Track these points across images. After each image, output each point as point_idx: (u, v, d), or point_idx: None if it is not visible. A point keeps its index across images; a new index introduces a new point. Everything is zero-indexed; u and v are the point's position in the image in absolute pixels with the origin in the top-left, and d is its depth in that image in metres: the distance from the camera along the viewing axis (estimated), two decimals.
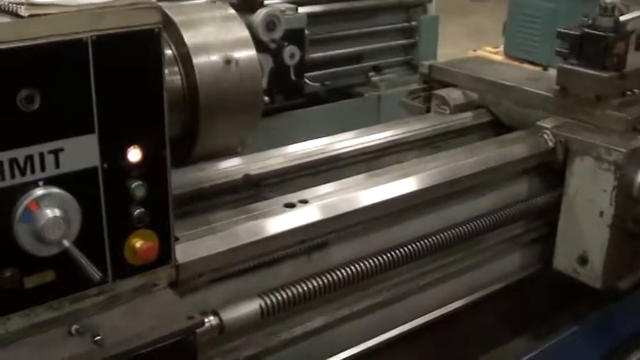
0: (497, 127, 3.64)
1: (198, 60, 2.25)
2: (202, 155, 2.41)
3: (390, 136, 3.36)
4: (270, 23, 4.27)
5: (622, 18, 3.22)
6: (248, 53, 2.35)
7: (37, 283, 1.92)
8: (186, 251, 2.24)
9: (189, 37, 2.27)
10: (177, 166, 2.27)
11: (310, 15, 5.15)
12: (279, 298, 2.42)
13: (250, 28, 2.42)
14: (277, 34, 4.37)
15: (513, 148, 3.20)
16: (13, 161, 1.82)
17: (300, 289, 2.47)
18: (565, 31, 3.38)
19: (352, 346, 2.81)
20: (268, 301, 2.40)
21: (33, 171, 1.85)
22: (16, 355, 1.91)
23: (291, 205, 2.56)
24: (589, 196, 3.09)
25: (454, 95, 3.66)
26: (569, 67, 3.35)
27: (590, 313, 3.45)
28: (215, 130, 2.32)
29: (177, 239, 2.21)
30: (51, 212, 1.84)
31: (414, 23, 6.19)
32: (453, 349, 3.15)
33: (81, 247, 1.91)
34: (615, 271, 3.18)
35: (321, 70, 5.56)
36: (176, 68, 2.26)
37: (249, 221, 2.45)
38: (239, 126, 2.38)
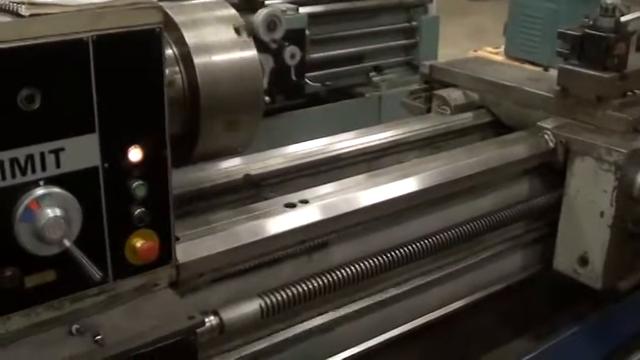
0: (497, 127, 3.64)
1: (199, 60, 2.25)
2: (203, 155, 2.41)
3: (391, 137, 3.36)
4: (271, 23, 4.27)
5: (623, 19, 3.22)
6: (249, 53, 2.35)
7: (38, 283, 1.92)
8: (186, 251, 2.24)
9: (190, 37, 2.27)
10: (178, 166, 2.28)
11: (311, 15, 5.15)
12: (280, 298, 2.42)
13: (251, 27, 2.41)
14: (278, 34, 4.37)
15: (514, 149, 3.20)
16: (13, 161, 1.82)
17: (301, 289, 2.47)
18: (566, 31, 3.38)
19: (352, 346, 2.81)
20: (268, 301, 2.40)
21: (34, 170, 1.85)
22: (16, 354, 1.91)
23: (291, 205, 2.56)
24: (589, 197, 3.09)
25: (455, 95, 3.66)
26: (570, 67, 3.35)
27: (591, 313, 3.45)
28: (216, 130, 2.32)
29: (177, 239, 2.21)
30: (52, 212, 1.84)
31: (414, 23, 6.19)
32: (454, 350, 3.16)
33: (81, 246, 1.92)
34: (616, 272, 3.18)
35: (321, 70, 5.56)
36: (177, 68, 2.26)
37: (249, 221, 2.45)
38: (240, 126, 2.38)
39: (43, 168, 1.86)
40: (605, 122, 3.23)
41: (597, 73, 3.26)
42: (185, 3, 2.38)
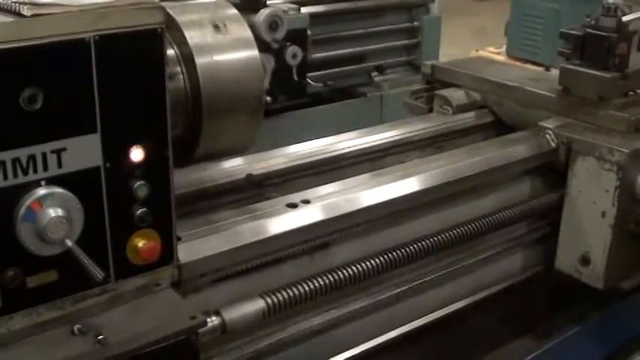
0: (499, 127, 3.64)
1: (200, 60, 2.25)
2: (205, 155, 2.41)
3: (393, 137, 3.36)
4: (273, 23, 4.28)
5: (625, 18, 3.22)
6: (251, 53, 2.35)
7: (40, 283, 1.92)
8: (188, 251, 2.24)
9: (192, 37, 2.27)
10: (179, 166, 2.27)
11: (313, 15, 5.15)
12: (281, 298, 2.42)
13: (253, 28, 2.41)
14: (280, 34, 4.37)
15: (516, 149, 3.20)
16: (15, 161, 1.82)
17: (302, 289, 2.47)
18: (568, 31, 3.38)
19: (354, 347, 2.81)
20: (270, 301, 2.40)
21: (35, 170, 1.85)
22: (18, 354, 1.91)
23: (293, 205, 2.56)
24: (591, 197, 3.09)
25: (456, 95, 3.66)
26: (572, 67, 3.35)
27: (592, 313, 3.45)
28: (217, 130, 2.32)
29: (179, 239, 2.21)
30: (53, 212, 1.85)
31: (416, 23, 6.19)
32: (455, 350, 3.15)
33: (83, 246, 1.92)
34: (617, 272, 3.18)
35: (323, 70, 5.56)
36: (178, 68, 2.26)
37: (251, 221, 2.45)
38: (241, 126, 2.38)
39: (45, 168, 1.86)
40: (607, 122, 3.23)
41: (599, 73, 3.26)
42: (187, 3, 2.38)
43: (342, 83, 5.83)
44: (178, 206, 2.17)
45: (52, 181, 1.88)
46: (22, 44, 1.77)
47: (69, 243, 1.88)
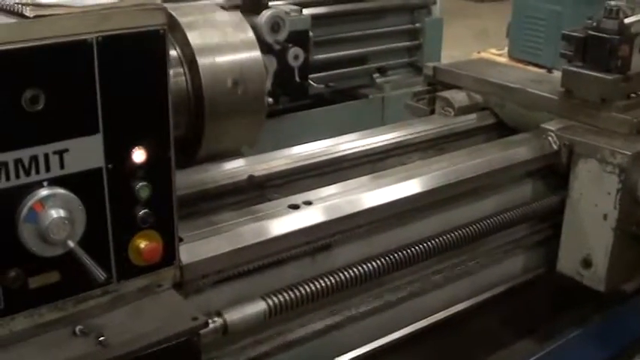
0: (501, 129, 3.63)
1: (203, 61, 2.25)
2: (207, 156, 2.42)
3: (394, 138, 3.36)
4: (275, 25, 4.27)
5: (627, 20, 3.22)
6: (253, 54, 2.35)
7: (42, 284, 1.92)
8: (190, 252, 2.24)
9: (195, 39, 2.27)
10: (182, 167, 2.28)
11: (315, 16, 5.14)
12: (283, 299, 2.42)
13: (255, 29, 2.42)
14: (282, 35, 4.37)
15: (517, 151, 3.20)
16: (17, 162, 1.82)
17: (304, 291, 2.47)
18: (570, 33, 3.38)
19: (356, 348, 2.81)
20: (272, 303, 2.40)
21: (38, 171, 1.85)
22: (20, 355, 1.91)
23: (295, 207, 2.57)
24: (593, 199, 3.09)
25: (458, 97, 3.66)
26: (574, 69, 3.35)
27: (594, 316, 3.45)
28: (219, 131, 2.32)
29: (181, 240, 2.21)
30: (56, 213, 1.85)
31: (418, 25, 6.18)
32: (457, 351, 3.15)
33: (85, 247, 1.92)
34: (619, 274, 3.17)
35: (325, 71, 5.56)
36: (181, 69, 2.27)
37: (253, 222, 2.45)
38: (243, 127, 2.38)
39: (47, 169, 1.87)
40: (609, 124, 3.23)
41: (601, 75, 3.25)
42: (190, 4, 2.38)
43: (344, 85, 5.82)
44: (180, 207, 2.17)
45: (54, 182, 1.88)
46: (24, 45, 1.77)
47: (71, 244, 1.89)
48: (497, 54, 8.56)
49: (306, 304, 2.50)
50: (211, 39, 2.29)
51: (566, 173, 3.18)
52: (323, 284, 2.52)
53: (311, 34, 4.93)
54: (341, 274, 2.57)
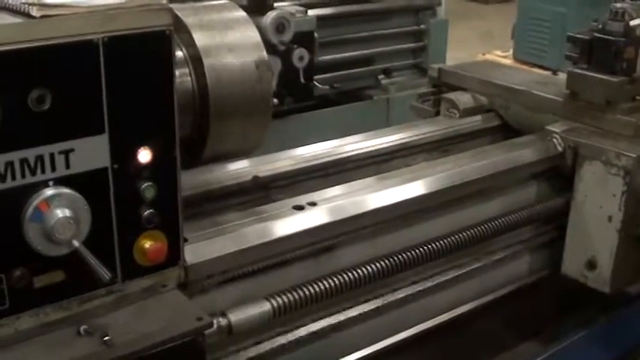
0: (506, 131, 3.63)
1: (208, 62, 2.25)
2: (212, 157, 2.42)
3: (399, 140, 3.36)
4: (280, 25, 4.28)
5: (632, 23, 3.21)
6: (258, 55, 2.35)
7: (47, 283, 1.93)
8: (195, 252, 2.24)
9: (200, 39, 2.27)
10: (187, 168, 2.28)
11: (320, 17, 5.15)
12: (288, 300, 2.42)
13: (260, 30, 2.42)
14: (287, 36, 4.38)
15: (522, 153, 3.20)
16: (23, 161, 1.82)
17: (308, 292, 2.47)
18: (575, 35, 3.38)
19: (360, 349, 2.81)
20: (276, 303, 2.40)
21: (43, 171, 1.86)
22: (24, 354, 1.91)
23: (299, 208, 2.57)
24: (598, 201, 3.08)
25: (463, 99, 3.66)
26: (579, 71, 3.34)
27: (599, 317, 3.44)
28: (225, 132, 2.32)
29: (186, 240, 2.21)
30: (61, 212, 1.85)
31: (423, 26, 6.19)
32: (462, 353, 3.15)
33: (90, 247, 1.92)
34: (624, 276, 3.17)
35: (330, 72, 5.57)
36: (187, 70, 2.27)
37: (257, 223, 2.45)
38: (249, 128, 2.38)
39: (53, 168, 1.87)
40: (614, 126, 3.22)
41: (606, 77, 3.25)
42: (195, 5, 2.38)
43: (349, 86, 5.84)
44: (185, 208, 2.17)
45: (59, 182, 1.88)
46: (30, 45, 1.77)
47: (76, 243, 1.89)
48: (502, 56, 8.56)
49: (310, 305, 2.50)
50: (217, 40, 2.29)
51: (571, 175, 3.17)
52: (327, 285, 2.52)
53: (316, 35, 4.95)
54: (345, 276, 2.57)
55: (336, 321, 2.68)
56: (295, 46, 4.56)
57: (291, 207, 2.57)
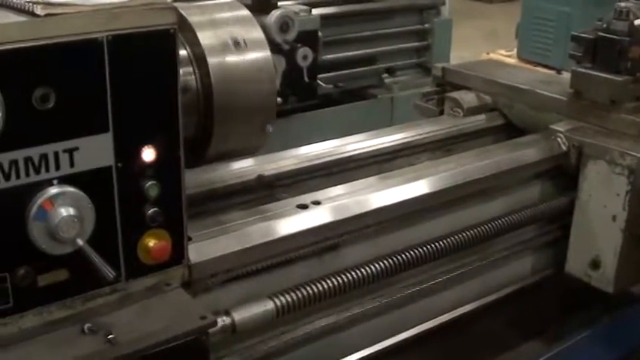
0: (510, 130, 3.63)
1: (212, 61, 2.25)
2: (216, 156, 2.42)
3: (403, 139, 3.36)
4: (284, 25, 4.28)
5: (637, 22, 3.21)
6: (262, 54, 2.35)
7: (51, 282, 1.93)
8: (199, 251, 2.24)
9: (204, 38, 2.27)
10: (191, 167, 2.28)
11: (324, 17, 5.14)
12: (291, 298, 2.42)
13: (264, 29, 2.42)
14: (291, 35, 4.37)
15: (526, 152, 3.20)
16: (27, 160, 1.82)
17: (312, 291, 2.48)
18: (579, 34, 3.38)
19: (363, 349, 2.81)
20: (279, 302, 2.40)
21: (47, 169, 1.86)
22: (28, 352, 1.91)
23: (303, 207, 2.57)
24: (602, 201, 3.08)
25: (467, 98, 3.66)
26: (584, 70, 3.34)
27: (602, 317, 3.44)
28: (229, 131, 2.32)
29: (190, 239, 2.21)
30: (65, 211, 1.85)
31: (427, 26, 6.18)
32: (465, 352, 3.15)
33: (94, 246, 1.92)
34: (627, 276, 3.17)
35: (334, 71, 5.56)
36: (191, 68, 2.27)
37: (261, 222, 2.46)
38: (253, 127, 2.38)
39: (57, 167, 1.87)
40: (619, 126, 3.22)
41: (611, 77, 3.25)
42: (199, 4, 2.38)
43: (353, 85, 5.83)
44: (189, 207, 2.17)
45: (63, 181, 1.88)
46: (35, 43, 1.77)
47: (80, 242, 1.89)
48: (506, 55, 8.54)
49: (313, 304, 2.50)
50: (221, 38, 2.29)
51: (575, 174, 3.17)
52: (331, 284, 2.52)
53: (320, 34, 4.94)
54: (348, 275, 2.57)
55: (339, 320, 2.68)
56: (299, 45, 4.55)
57: (295, 206, 2.57)
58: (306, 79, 4.69)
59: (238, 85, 2.28)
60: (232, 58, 2.28)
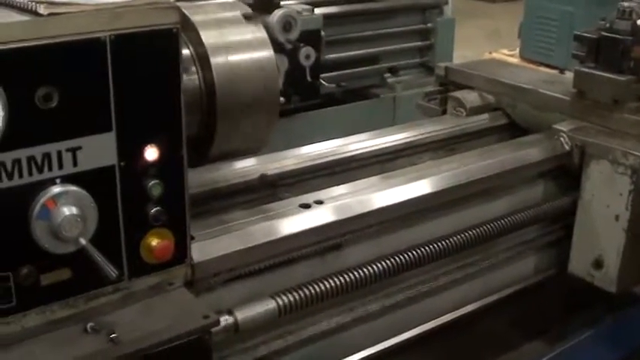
0: (513, 129, 3.63)
1: (215, 60, 2.25)
2: (219, 155, 2.42)
3: (405, 138, 3.35)
4: (287, 24, 4.27)
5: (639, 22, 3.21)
6: (265, 53, 2.35)
7: (54, 281, 1.93)
8: (201, 250, 2.24)
9: (207, 37, 2.27)
10: (194, 166, 2.28)
11: (326, 16, 5.14)
12: (294, 298, 2.42)
13: (266, 28, 2.42)
14: (293, 34, 4.37)
15: (529, 151, 3.19)
16: (30, 159, 1.83)
17: (314, 290, 2.47)
18: (582, 34, 3.37)
19: (365, 348, 2.81)
20: (282, 302, 2.40)
21: (50, 169, 1.86)
22: (31, 351, 1.92)
23: (306, 206, 2.57)
24: (605, 200, 3.08)
25: (470, 97, 3.66)
26: (587, 70, 3.34)
27: (605, 317, 3.43)
28: (232, 130, 2.32)
29: (193, 238, 2.21)
30: (68, 210, 1.86)
31: (430, 25, 6.18)
32: (467, 352, 3.15)
33: (97, 245, 1.93)
34: (630, 276, 3.16)
35: (336, 71, 5.56)
36: (194, 68, 2.27)
37: (264, 221, 2.45)
38: (256, 126, 2.38)
39: (60, 166, 1.87)
40: (622, 125, 3.21)
41: (613, 76, 3.24)
42: (202, 3, 2.38)
43: (355, 84, 5.83)
44: (192, 206, 2.17)
45: (66, 180, 1.88)
46: (38, 43, 1.78)
47: (83, 241, 1.89)
48: (509, 54, 8.53)
49: (316, 304, 2.50)
50: (224, 38, 2.29)
51: (578, 174, 3.17)
52: (333, 284, 2.52)
53: (323, 33, 4.94)
54: (351, 274, 2.57)
55: (342, 320, 2.68)
56: (302, 44, 4.55)
57: (298, 205, 2.57)
58: (308, 78, 4.69)
59: (241, 84, 2.28)
60: (235, 58, 2.28)
